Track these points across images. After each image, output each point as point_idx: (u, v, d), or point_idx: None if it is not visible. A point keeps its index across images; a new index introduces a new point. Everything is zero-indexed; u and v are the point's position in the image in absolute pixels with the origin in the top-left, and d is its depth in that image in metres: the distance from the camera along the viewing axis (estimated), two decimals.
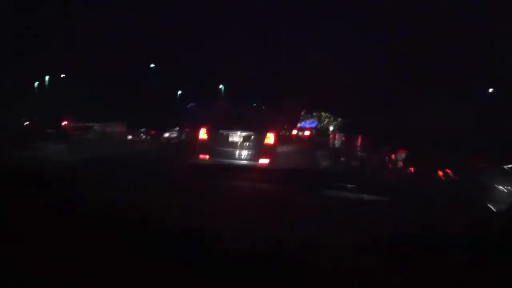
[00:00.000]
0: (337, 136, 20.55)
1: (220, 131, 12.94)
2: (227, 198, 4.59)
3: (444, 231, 3.90)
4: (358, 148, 17.71)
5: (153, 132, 27.31)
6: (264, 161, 12.48)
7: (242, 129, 12.82)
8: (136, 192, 4.54)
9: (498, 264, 3.25)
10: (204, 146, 12.78)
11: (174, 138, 26.80)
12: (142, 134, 26.85)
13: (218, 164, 11.69)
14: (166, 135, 27.16)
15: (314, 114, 36.90)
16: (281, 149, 14.93)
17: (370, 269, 3.15)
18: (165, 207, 4.01)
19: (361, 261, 3.24)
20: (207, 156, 12.72)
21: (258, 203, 4.55)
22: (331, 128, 38.75)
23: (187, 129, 25.40)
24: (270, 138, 12.84)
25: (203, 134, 12.97)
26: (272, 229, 3.67)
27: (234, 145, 12.79)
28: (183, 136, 26.02)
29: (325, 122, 40.96)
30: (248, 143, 12.72)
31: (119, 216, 3.64)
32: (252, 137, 12.71)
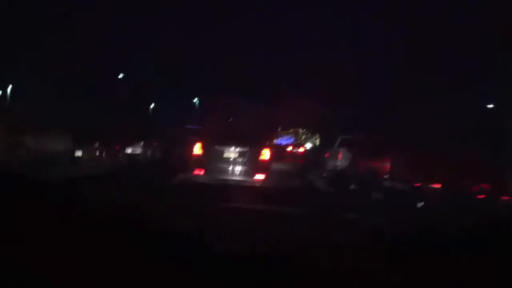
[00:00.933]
0: (339, 155, 16.89)
1: (215, 146, 13.00)
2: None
3: (444, 231, 3.91)
4: (387, 174, 13.23)
5: (117, 147, 20.35)
6: (259, 177, 12.58)
7: (237, 144, 12.89)
8: None
9: (498, 264, 3.25)
10: (199, 162, 12.83)
11: (138, 154, 20.77)
12: (97, 150, 19.62)
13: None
14: (129, 151, 20.72)
15: (291, 130, 35.40)
16: (276, 166, 14.74)
17: (370, 269, 3.15)
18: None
19: (361, 261, 3.24)
20: (202, 172, 12.79)
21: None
22: (308, 145, 37.94)
23: (155, 144, 21.03)
24: (265, 154, 12.95)
25: (198, 149, 13.01)
26: (272, 229, 3.68)
27: (229, 160, 12.88)
28: (150, 152, 20.92)
29: (302, 138, 40.26)
30: (243, 159, 12.81)
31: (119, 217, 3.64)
32: (247, 153, 12.80)
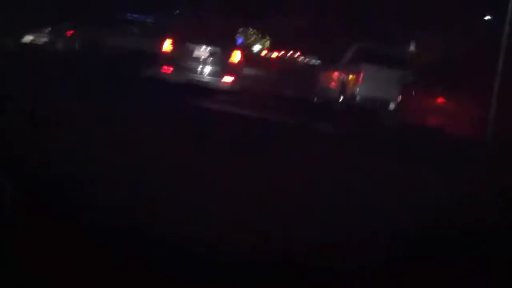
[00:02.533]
0: (360, 75, 11.75)
1: (186, 44, 12.61)
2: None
3: (445, 231, 3.90)
4: None
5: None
6: (228, 79, 12.28)
7: (209, 43, 12.51)
8: None
9: (498, 264, 3.25)
10: (168, 59, 12.47)
11: (41, 45, 14.69)
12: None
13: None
14: (27, 39, 14.79)
15: (241, 29, 27.50)
16: (247, 70, 14.15)
17: (370, 269, 3.15)
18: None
19: (360, 261, 3.24)
20: (170, 69, 12.48)
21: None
22: (257, 48, 32.52)
23: (69, 33, 14.73)
24: (236, 56, 12.61)
25: (167, 45, 12.64)
26: (272, 229, 3.67)
27: (199, 60, 12.54)
28: (62, 43, 14.62)
29: (252, 39, 34.73)
30: (213, 59, 12.48)
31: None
32: (218, 53, 12.46)
